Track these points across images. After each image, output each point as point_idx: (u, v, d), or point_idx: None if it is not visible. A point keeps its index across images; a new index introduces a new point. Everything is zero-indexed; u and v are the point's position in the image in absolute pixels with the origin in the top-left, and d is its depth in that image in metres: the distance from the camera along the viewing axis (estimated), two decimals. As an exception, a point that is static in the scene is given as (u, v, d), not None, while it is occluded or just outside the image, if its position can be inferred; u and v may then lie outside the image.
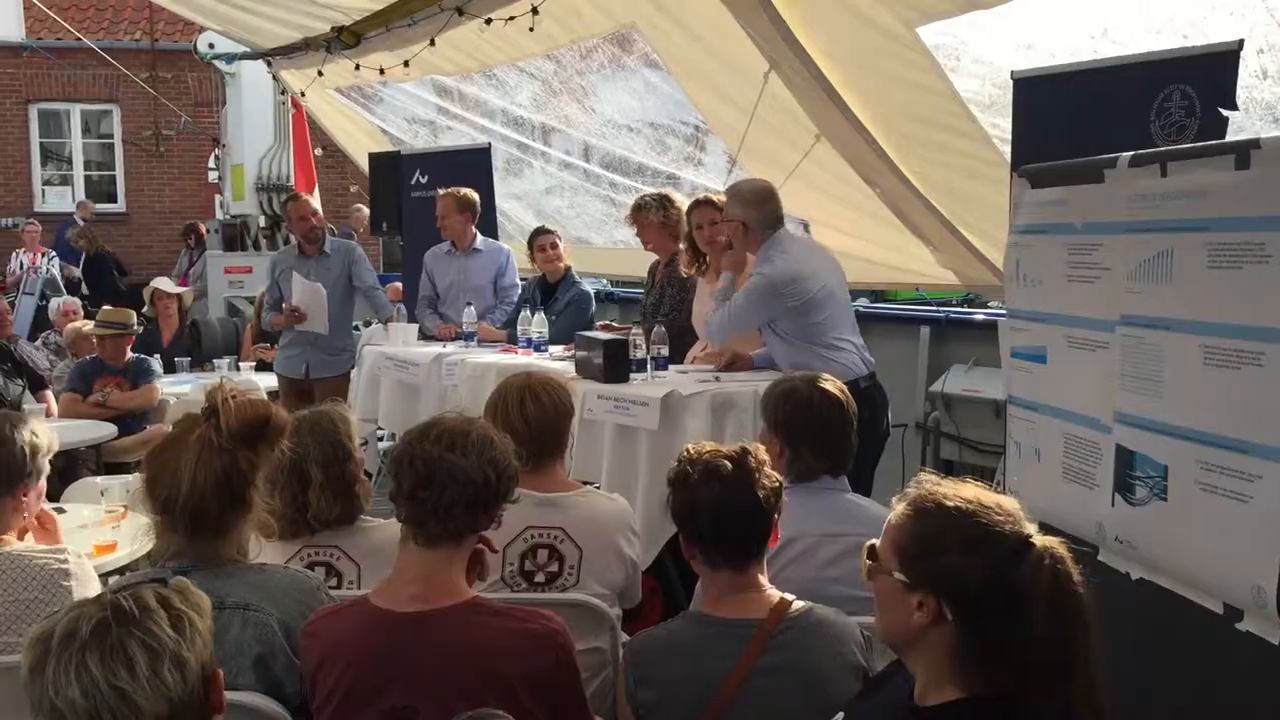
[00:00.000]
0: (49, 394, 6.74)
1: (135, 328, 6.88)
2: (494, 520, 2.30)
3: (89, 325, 7.39)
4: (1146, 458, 2.40)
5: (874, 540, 1.84)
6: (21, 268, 13.00)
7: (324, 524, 2.86)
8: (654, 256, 5.74)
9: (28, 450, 2.96)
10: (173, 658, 1.54)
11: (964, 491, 1.76)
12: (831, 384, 3.13)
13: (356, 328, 7.57)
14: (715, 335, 4.70)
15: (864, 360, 4.51)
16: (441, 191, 6.56)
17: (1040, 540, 1.71)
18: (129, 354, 6.74)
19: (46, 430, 3.11)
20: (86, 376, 6.64)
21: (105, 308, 6.98)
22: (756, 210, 4.56)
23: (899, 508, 1.81)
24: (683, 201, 5.53)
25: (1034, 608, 1.65)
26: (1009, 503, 1.76)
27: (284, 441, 2.44)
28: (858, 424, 4.29)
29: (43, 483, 3.07)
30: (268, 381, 7.42)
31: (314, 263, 6.74)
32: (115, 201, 16.85)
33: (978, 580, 1.68)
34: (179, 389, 6.89)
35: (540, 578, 2.99)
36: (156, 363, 6.99)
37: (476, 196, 6.55)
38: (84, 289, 12.66)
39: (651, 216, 5.51)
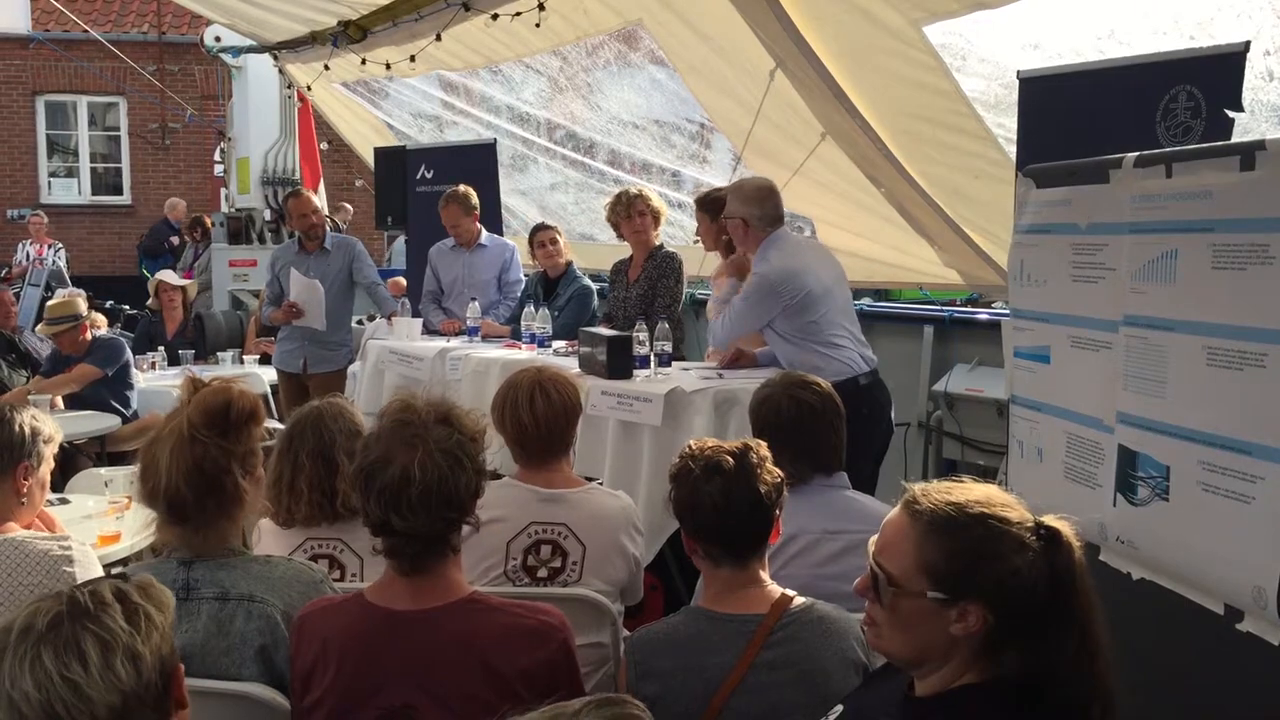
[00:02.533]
0: None
1: (84, 316, 6.71)
2: (473, 527, 2.29)
3: (99, 317, 7.40)
4: (1148, 458, 2.40)
5: (877, 565, 1.76)
6: (28, 259, 13.03)
7: (352, 511, 2.86)
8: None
9: (27, 431, 2.99)
10: (126, 650, 1.55)
11: (971, 493, 1.74)
12: (808, 387, 3.09)
13: (360, 322, 7.58)
14: (720, 340, 4.72)
15: (864, 357, 4.51)
16: (442, 200, 6.56)
17: (1052, 522, 1.72)
18: (89, 337, 6.62)
19: (50, 420, 3.13)
20: (58, 365, 6.64)
21: (50, 302, 6.88)
22: (757, 208, 4.56)
23: (908, 527, 1.73)
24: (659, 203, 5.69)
25: (1074, 588, 1.67)
26: (999, 492, 1.76)
27: (261, 428, 2.43)
28: (858, 421, 4.31)
29: (45, 472, 3.08)
30: (272, 375, 7.44)
31: (313, 259, 6.76)
32: (121, 194, 16.87)
33: (1037, 577, 1.67)
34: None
35: (543, 573, 3.00)
36: (119, 341, 6.90)
37: (474, 192, 6.58)
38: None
39: (653, 204, 5.59)
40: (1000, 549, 1.68)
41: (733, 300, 4.59)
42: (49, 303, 6.93)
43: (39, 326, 7.40)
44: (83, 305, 6.79)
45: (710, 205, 5.06)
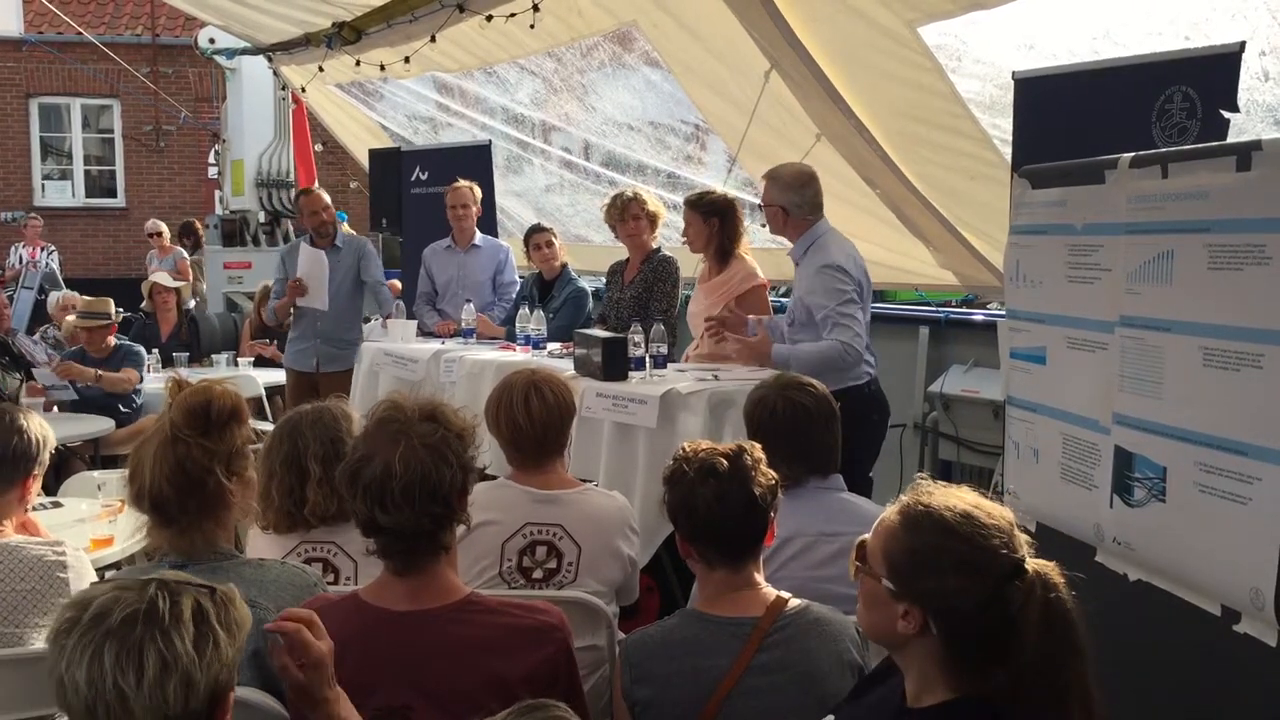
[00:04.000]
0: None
1: (115, 318, 6.89)
2: (465, 525, 2.28)
3: None
4: (1145, 459, 2.39)
5: (865, 536, 1.83)
6: (21, 262, 12.99)
7: (320, 520, 2.85)
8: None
9: (38, 439, 3.06)
10: (183, 676, 1.52)
11: (959, 505, 1.73)
12: (803, 389, 3.09)
13: (367, 319, 7.57)
14: (859, 351, 4.26)
15: (873, 362, 4.51)
16: (460, 183, 6.55)
17: (1033, 565, 1.69)
18: (112, 341, 6.77)
19: (47, 425, 3.18)
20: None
21: (85, 298, 7.01)
22: (797, 195, 4.46)
23: (891, 513, 1.79)
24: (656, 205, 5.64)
25: (1023, 634, 1.63)
26: (1003, 518, 1.73)
27: (246, 428, 2.42)
28: (869, 426, 4.31)
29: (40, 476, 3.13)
30: (266, 377, 7.43)
31: (325, 256, 6.66)
32: (115, 196, 16.85)
33: (967, 604, 1.67)
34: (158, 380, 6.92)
35: (538, 574, 2.99)
36: (139, 346, 7.01)
37: None
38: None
39: (649, 207, 5.56)
40: (945, 564, 1.69)
41: (830, 307, 4.26)
42: (85, 298, 7.02)
43: (71, 318, 7.47)
44: (113, 308, 6.92)
45: (703, 206, 5.03)
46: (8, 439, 3.02)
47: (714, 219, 4.95)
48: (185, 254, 11.73)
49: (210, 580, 2.28)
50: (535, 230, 6.39)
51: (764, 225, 4.86)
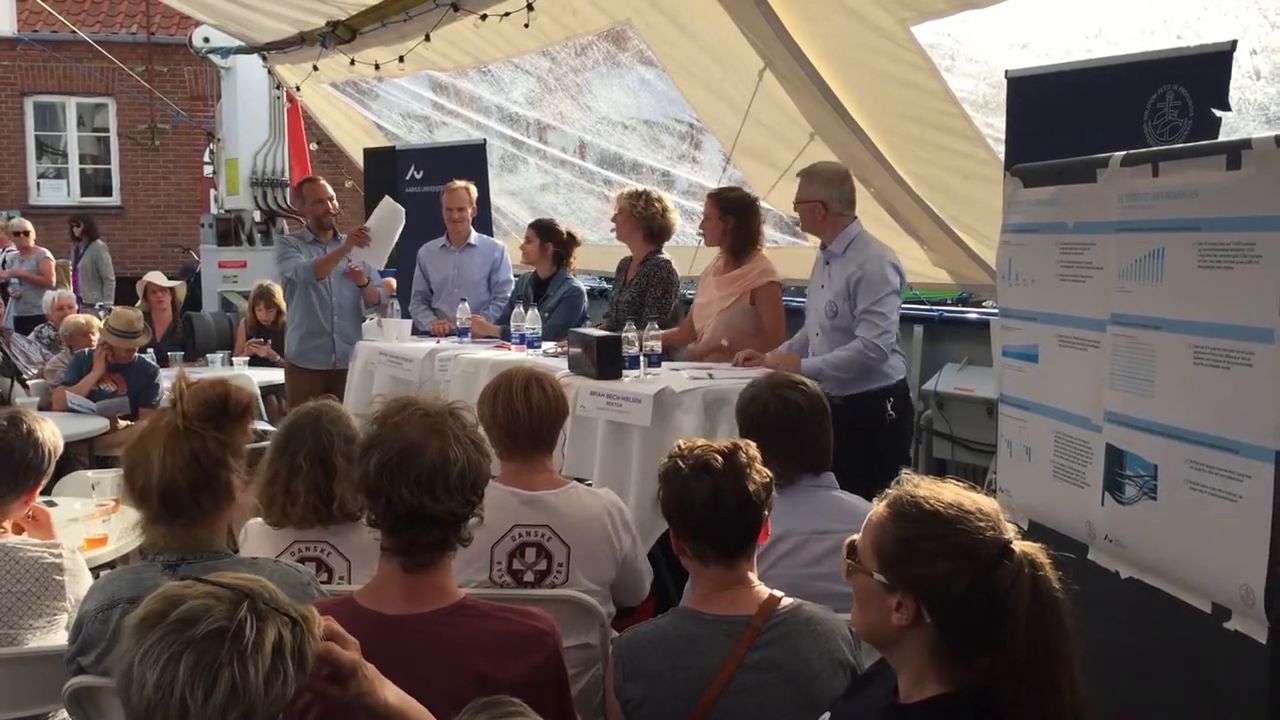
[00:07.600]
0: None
1: (144, 335, 6.88)
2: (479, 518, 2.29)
3: (93, 319, 7.42)
4: (1136, 457, 2.40)
5: (854, 537, 1.85)
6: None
7: (347, 515, 2.86)
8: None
9: (52, 452, 3.12)
10: (246, 707, 1.51)
11: (945, 494, 1.76)
12: (795, 387, 3.10)
13: (364, 318, 7.52)
14: (885, 350, 4.40)
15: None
16: (456, 183, 6.53)
17: (1020, 546, 1.71)
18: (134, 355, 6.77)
19: (58, 433, 3.23)
20: (83, 369, 6.66)
21: (116, 310, 6.98)
22: (836, 189, 4.55)
23: (879, 508, 1.81)
24: (669, 203, 5.61)
25: (1014, 615, 1.65)
26: (989, 505, 1.76)
27: (252, 424, 2.44)
28: (904, 425, 4.38)
29: None
30: (261, 376, 7.41)
31: (328, 249, 6.50)
32: (110, 195, 16.82)
33: (959, 587, 1.68)
34: (169, 384, 6.87)
35: (529, 577, 2.98)
36: (160, 371, 6.95)
37: None
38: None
39: (622, 204, 5.56)
40: (934, 549, 1.71)
41: (867, 304, 4.41)
42: (117, 309, 6.99)
43: (75, 318, 7.50)
44: (142, 321, 6.91)
45: (722, 202, 5.04)
46: (24, 450, 3.06)
47: (730, 218, 4.97)
48: (49, 254, 11.54)
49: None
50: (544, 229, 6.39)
51: (796, 223, 4.89)
